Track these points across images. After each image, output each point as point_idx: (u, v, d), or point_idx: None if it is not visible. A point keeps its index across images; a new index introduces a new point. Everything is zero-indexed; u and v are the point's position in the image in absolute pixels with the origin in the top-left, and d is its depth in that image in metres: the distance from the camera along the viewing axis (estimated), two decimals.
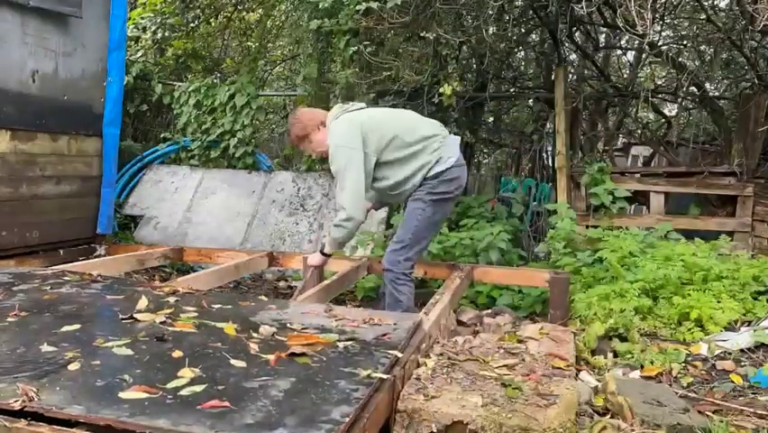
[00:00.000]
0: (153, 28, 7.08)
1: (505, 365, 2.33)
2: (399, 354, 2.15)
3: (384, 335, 2.34)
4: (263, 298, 2.97)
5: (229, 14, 7.88)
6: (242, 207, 5.95)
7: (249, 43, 8.34)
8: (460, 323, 3.52)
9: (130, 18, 6.71)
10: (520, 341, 2.70)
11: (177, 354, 2.00)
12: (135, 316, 2.40)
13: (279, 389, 1.76)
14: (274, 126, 8.27)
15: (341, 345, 2.19)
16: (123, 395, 1.66)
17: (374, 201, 3.80)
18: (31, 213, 4.26)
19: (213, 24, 7.99)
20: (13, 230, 4.14)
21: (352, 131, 3.33)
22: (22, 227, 4.20)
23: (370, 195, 3.62)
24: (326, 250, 3.57)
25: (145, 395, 1.67)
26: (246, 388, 1.76)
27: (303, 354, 2.04)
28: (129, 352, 2.01)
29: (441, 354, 2.40)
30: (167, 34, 7.15)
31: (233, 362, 1.96)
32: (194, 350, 2.05)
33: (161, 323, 2.34)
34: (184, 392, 1.70)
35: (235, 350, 2.08)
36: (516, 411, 1.91)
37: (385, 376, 1.91)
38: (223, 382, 1.79)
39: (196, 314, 2.50)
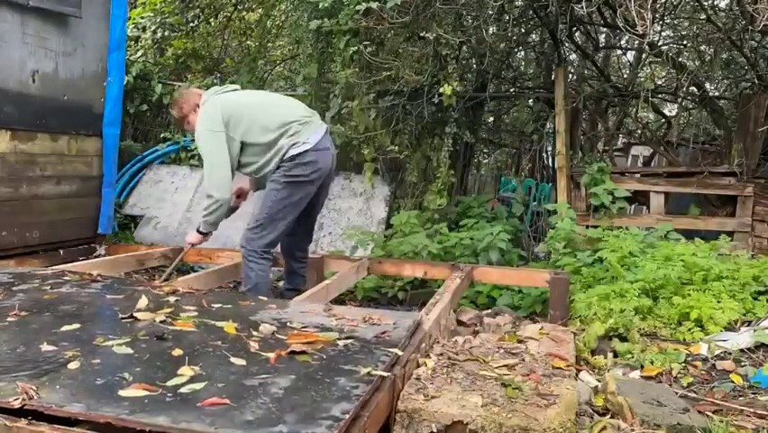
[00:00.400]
0: (153, 28, 7.07)
1: (505, 365, 2.33)
2: (400, 353, 2.15)
3: (384, 333, 2.34)
4: (263, 297, 2.97)
5: (229, 14, 7.87)
6: (242, 207, 5.94)
7: (249, 43, 8.33)
8: (460, 323, 3.52)
9: (130, 18, 6.71)
10: (520, 341, 2.70)
11: (176, 352, 2.00)
12: (135, 315, 2.40)
13: (279, 386, 1.76)
14: None
15: (341, 343, 2.19)
16: (122, 393, 1.66)
17: (251, 185, 3.95)
18: (31, 213, 4.26)
19: (213, 24, 7.98)
20: (13, 230, 4.13)
21: (213, 114, 3.49)
22: (22, 227, 4.19)
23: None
24: (202, 229, 3.69)
25: (145, 393, 1.67)
26: (246, 386, 1.76)
27: (303, 353, 2.05)
28: (129, 350, 2.01)
29: (441, 354, 2.40)
30: (167, 34, 7.15)
31: (232, 360, 1.96)
32: (194, 348, 2.05)
33: (161, 322, 2.34)
34: (184, 390, 1.70)
35: (235, 348, 2.08)
36: (516, 411, 1.91)
37: (385, 374, 1.91)
38: (223, 379, 1.79)
39: (196, 313, 2.50)
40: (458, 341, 2.67)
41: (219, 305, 2.68)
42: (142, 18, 7.12)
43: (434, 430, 1.88)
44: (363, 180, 5.70)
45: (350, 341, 2.21)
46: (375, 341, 2.25)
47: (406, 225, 4.82)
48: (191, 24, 7.43)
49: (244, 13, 7.98)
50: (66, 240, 4.59)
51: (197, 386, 1.73)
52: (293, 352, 2.04)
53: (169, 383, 1.74)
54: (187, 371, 1.83)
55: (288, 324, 2.42)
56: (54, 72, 4.35)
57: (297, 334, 2.26)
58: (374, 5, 4.54)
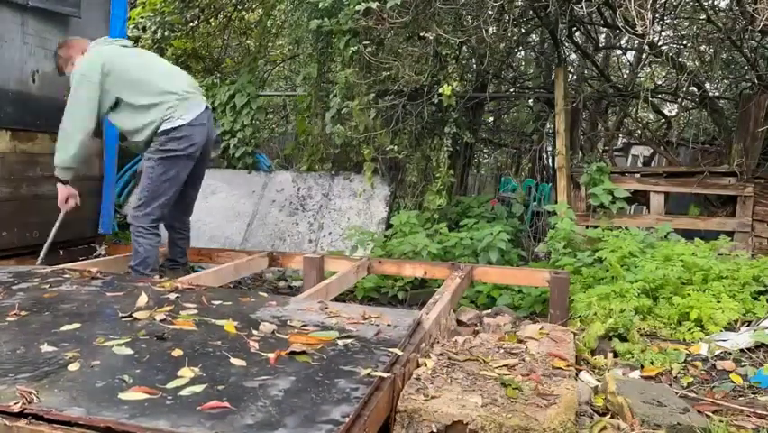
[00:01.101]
0: (153, 28, 7.07)
1: (505, 365, 2.33)
2: (400, 353, 2.15)
3: (383, 332, 2.34)
4: (263, 294, 2.97)
5: (229, 14, 7.87)
6: (241, 207, 5.95)
7: (249, 42, 8.33)
8: (460, 323, 3.52)
9: (130, 18, 6.71)
10: (520, 341, 2.70)
11: (177, 352, 2.00)
12: (135, 315, 2.40)
13: (279, 388, 1.75)
14: (274, 126, 8.27)
15: (341, 342, 2.18)
16: (122, 396, 1.66)
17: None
18: (31, 213, 4.25)
19: (213, 24, 7.98)
20: (13, 230, 4.13)
21: (93, 61, 3.55)
22: (22, 227, 4.19)
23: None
24: (58, 175, 3.76)
25: (145, 396, 1.66)
26: (246, 387, 1.75)
27: (303, 353, 2.04)
28: (129, 351, 2.01)
29: (441, 354, 2.40)
30: (167, 34, 7.15)
31: (232, 360, 1.95)
32: (194, 349, 2.05)
33: (161, 321, 2.34)
34: (184, 393, 1.69)
35: (235, 348, 2.07)
36: (516, 411, 1.91)
37: (385, 375, 1.91)
38: (223, 381, 1.79)
39: (196, 311, 2.50)
40: (458, 341, 2.66)
41: (219, 302, 2.68)
42: (142, 18, 7.12)
43: (434, 430, 1.88)
44: (363, 180, 5.71)
45: (350, 340, 2.21)
46: (375, 340, 2.24)
47: (406, 225, 4.82)
48: (191, 24, 7.43)
49: (244, 13, 7.98)
50: (66, 240, 4.58)
51: (197, 388, 1.72)
52: (293, 352, 2.04)
53: (170, 386, 1.74)
54: (187, 372, 1.83)
55: (288, 322, 2.41)
56: (54, 72, 4.33)
57: (298, 334, 2.26)
58: (374, 5, 4.54)
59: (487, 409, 1.90)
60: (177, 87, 3.67)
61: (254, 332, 2.26)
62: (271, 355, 2.00)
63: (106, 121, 4.81)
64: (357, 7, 4.64)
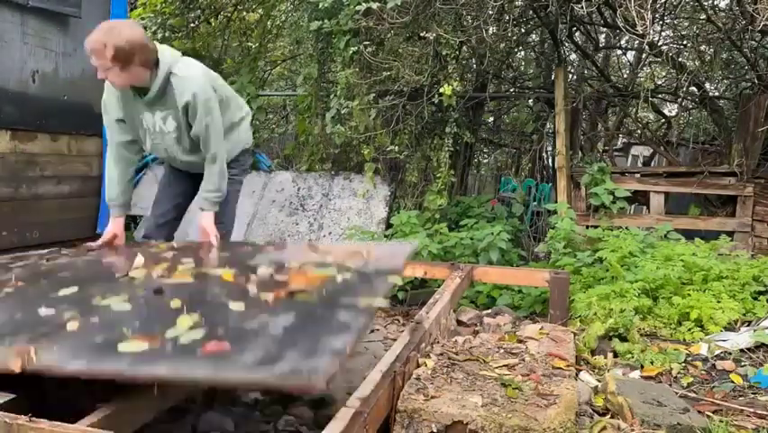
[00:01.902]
0: (154, 29, 7.07)
1: (505, 365, 2.33)
2: (400, 282, 2.11)
3: (382, 264, 2.30)
4: (259, 242, 2.92)
5: (229, 15, 7.87)
6: (241, 207, 5.94)
7: (249, 43, 8.34)
8: (460, 323, 3.52)
9: (130, 18, 6.71)
10: (520, 341, 2.71)
11: (175, 303, 1.93)
12: (132, 273, 2.33)
13: (280, 326, 1.70)
14: (274, 126, 8.28)
15: (339, 277, 2.12)
16: (122, 348, 1.60)
17: None
18: (31, 213, 4.26)
19: (213, 24, 7.98)
20: (13, 230, 4.14)
21: (206, 83, 3.12)
22: (22, 227, 4.20)
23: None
24: (213, 207, 3.17)
25: (145, 346, 1.61)
26: (246, 329, 1.69)
27: (302, 291, 1.98)
28: (127, 307, 1.96)
29: (441, 354, 2.40)
30: (167, 35, 7.15)
31: (231, 306, 1.88)
32: (192, 298, 1.99)
33: (159, 276, 2.28)
34: (183, 340, 1.64)
35: (234, 294, 2.01)
36: (516, 411, 1.91)
37: (384, 304, 1.86)
38: (222, 325, 1.73)
39: (193, 264, 2.44)
40: (458, 341, 2.67)
41: (216, 254, 2.64)
42: (143, 19, 7.12)
43: (434, 430, 1.88)
44: (363, 180, 5.71)
45: (348, 274, 2.14)
46: (374, 271, 2.18)
47: (407, 225, 4.82)
48: (191, 25, 7.43)
49: (244, 13, 7.98)
50: (66, 240, 4.59)
51: (197, 335, 1.66)
52: (292, 291, 1.97)
53: (169, 335, 1.68)
54: (186, 320, 1.76)
55: (287, 264, 2.35)
56: (54, 72, 4.35)
57: (296, 274, 2.19)
58: (374, 5, 4.54)
59: (487, 409, 1.91)
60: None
61: (252, 276, 2.17)
62: (270, 296, 1.93)
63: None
64: (357, 7, 4.64)
